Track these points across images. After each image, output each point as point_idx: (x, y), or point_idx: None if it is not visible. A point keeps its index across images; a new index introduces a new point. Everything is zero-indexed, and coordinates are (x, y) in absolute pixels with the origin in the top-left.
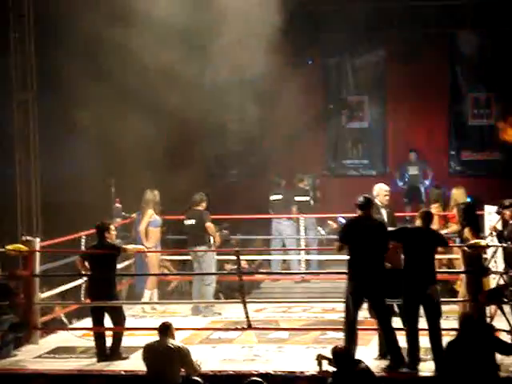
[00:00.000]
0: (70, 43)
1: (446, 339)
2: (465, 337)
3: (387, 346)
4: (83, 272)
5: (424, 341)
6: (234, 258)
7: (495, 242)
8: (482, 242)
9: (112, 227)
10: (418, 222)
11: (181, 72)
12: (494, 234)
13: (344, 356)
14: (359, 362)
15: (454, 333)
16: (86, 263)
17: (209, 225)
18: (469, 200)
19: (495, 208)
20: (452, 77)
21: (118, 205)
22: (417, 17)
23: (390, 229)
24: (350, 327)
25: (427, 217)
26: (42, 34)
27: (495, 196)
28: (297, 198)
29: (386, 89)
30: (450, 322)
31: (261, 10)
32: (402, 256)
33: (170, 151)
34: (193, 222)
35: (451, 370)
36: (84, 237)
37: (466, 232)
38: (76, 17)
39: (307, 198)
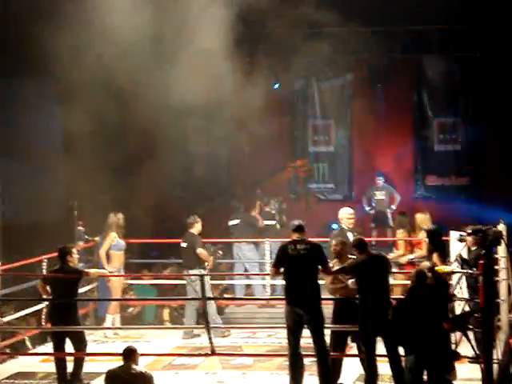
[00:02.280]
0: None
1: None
2: (414, 296)
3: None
4: (45, 296)
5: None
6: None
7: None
8: (448, 268)
9: (74, 251)
10: (358, 254)
11: (146, 96)
12: (459, 260)
13: None
14: None
15: None
16: (48, 287)
17: (200, 251)
18: (433, 225)
19: (460, 234)
20: (418, 102)
21: (80, 228)
22: (383, 42)
23: (349, 262)
24: (291, 352)
25: (363, 245)
26: None
27: (461, 221)
28: (266, 222)
29: (352, 113)
30: None
31: (226, 33)
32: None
33: (133, 173)
34: (185, 244)
35: (402, 328)
36: (46, 260)
37: (435, 257)
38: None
39: (273, 222)
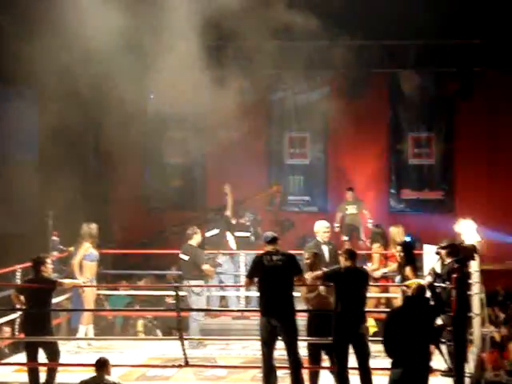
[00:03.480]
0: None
1: (376, 378)
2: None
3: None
4: (18, 306)
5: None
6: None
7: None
8: (421, 282)
9: (48, 261)
10: (344, 261)
11: (123, 108)
12: (433, 273)
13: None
14: None
15: (383, 372)
16: (22, 297)
17: (206, 267)
18: (407, 238)
19: (434, 247)
20: (393, 116)
21: (55, 238)
22: (360, 56)
23: (332, 268)
24: (264, 364)
25: (353, 255)
26: None
27: (435, 235)
28: (237, 234)
29: (328, 126)
30: (380, 361)
31: (204, 44)
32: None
33: (108, 184)
34: (186, 257)
35: (394, 339)
36: (19, 270)
37: (407, 271)
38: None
39: (248, 234)
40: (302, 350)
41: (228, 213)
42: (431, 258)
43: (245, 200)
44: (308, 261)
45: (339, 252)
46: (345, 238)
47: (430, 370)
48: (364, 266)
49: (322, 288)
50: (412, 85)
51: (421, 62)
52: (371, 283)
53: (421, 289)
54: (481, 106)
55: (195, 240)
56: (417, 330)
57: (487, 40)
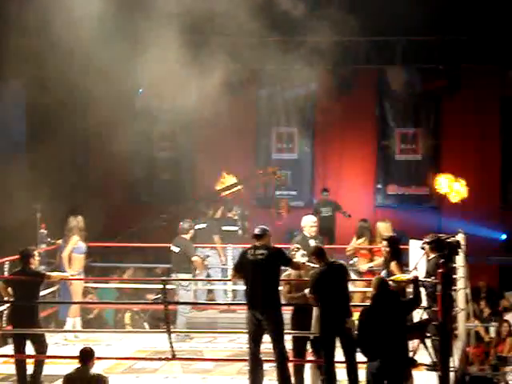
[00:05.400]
0: None
1: (362, 372)
2: (377, 303)
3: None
4: (6, 298)
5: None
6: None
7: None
8: (407, 277)
9: (36, 253)
10: (317, 263)
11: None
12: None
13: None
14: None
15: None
16: (9, 289)
17: (195, 259)
18: (393, 234)
19: (419, 243)
20: (380, 112)
21: (43, 230)
22: (347, 52)
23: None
24: (251, 358)
25: (321, 253)
26: None
27: (421, 230)
28: (225, 228)
29: (315, 122)
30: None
31: (192, 38)
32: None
33: (96, 177)
34: (177, 249)
35: (367, 335)
36: (8, 263)
37: (392, 266)
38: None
39: (236, 228)
40: (288, 343)
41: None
42: (417, 254)
43: (245, 179)
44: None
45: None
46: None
47: (414, 364)
48: (350, 261)
49: (306, 291)
50: (399, 81)
51: (408, 58)
52: (356, 277)
53: (381, 284)
54: (468, 103)
55: (189, 234)
56: (388, 325)
57: (474, 37)
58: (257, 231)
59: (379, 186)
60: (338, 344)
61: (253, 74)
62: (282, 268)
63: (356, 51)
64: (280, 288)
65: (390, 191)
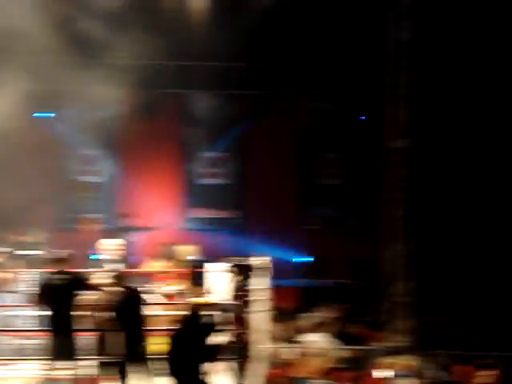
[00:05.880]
0: None
1: None
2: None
3: None
4: None
5: None
6: None
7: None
8: (209, 300)
9: None
10: (113, 286)
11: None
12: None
13: None
14: None
15: None
16: None
17: None
18: (195, 257)
19: (223, 266)
20: (186, 136)
21: None
22: (153, 76)
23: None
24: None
25: (120, 279)
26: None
27: (225, 254)
28: (27, 252)
29: (119, 144)
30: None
31: None
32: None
33: None
34: None
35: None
36: None
37: (193, 289)
38: None
39: (37, 253)
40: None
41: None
42: (220, 277)
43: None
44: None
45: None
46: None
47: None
48: (152, 285)
49: (107, 314)
50: (204, 106)
51: (213, 83)
52: (158, 301)
53: (195, 308)
54: (271, 128)
55: None
56: (190, 348)
57: (277, 64)
58: (57, 255)
59: (184, 209)
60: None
61: (56, 94)
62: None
63: (162, 75)
64: (87, 312)
65: (195, 215)
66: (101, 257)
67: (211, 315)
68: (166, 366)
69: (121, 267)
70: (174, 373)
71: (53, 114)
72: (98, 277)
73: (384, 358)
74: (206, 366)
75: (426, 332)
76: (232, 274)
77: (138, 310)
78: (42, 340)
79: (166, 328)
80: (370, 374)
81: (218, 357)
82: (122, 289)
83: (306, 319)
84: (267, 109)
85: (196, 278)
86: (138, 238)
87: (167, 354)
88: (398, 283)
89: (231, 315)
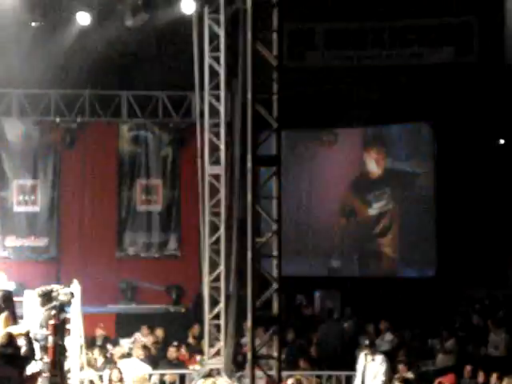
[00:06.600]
0: None
1: None
2: None
3: None
4: None
5: None
6: None
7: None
8: (20, 329)
9: None
10: None
11: None
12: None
13: None
14: None
15: None
16: None
17: None
18: (9, 286)
19: (32, 293)
20: None
21: None
22: None
23: None
24: None
25: None
26: None
27: (40, 282)
28: None
29: None
30: None
31: None
32: None
33: None
34: None
35: None
36: None
37: (4, 318)
38: None
39: None
40: None
41: None
42: (32, 305)
43: None
44: None
45: None
46: None
47: None
48: None
49: None
50: (16, 133)
51: (25, 110)
52: None
53: (8, 337)
54: (86, 155)
55: None
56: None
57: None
58: None
59: None
60: None
61: None
62: None
63: None
64: None
65: (8, 243)
66: None
67: (25, 345)
68: None
69: None
70: None
71: None
72: None
73: (202, 380)
74: None
75: (240, 354)
76: (40, 303)
77: None
78: None
79: None
80: None
81: None
82: None
83: (121, 345)
84: (80, 135)
85: (7, 308)
86: None
87: None
88: (215, 306)
89: (43, 344)
